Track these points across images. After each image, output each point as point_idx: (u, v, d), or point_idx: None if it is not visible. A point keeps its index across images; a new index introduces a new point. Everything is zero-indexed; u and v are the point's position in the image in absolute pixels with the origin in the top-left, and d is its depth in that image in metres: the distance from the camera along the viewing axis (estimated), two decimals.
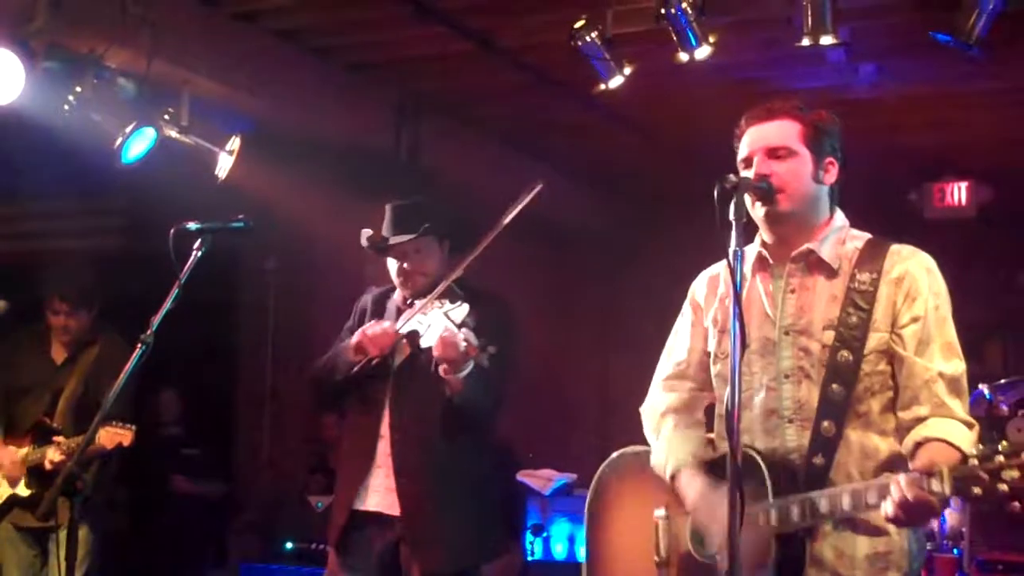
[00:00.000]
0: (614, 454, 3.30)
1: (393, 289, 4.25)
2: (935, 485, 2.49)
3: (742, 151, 2.96)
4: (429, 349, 3.78)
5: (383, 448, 4.01)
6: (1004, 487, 2.40)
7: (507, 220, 3.96)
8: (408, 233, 4.08)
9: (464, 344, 3.62)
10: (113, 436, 4.77)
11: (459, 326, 3.67)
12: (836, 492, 2.69)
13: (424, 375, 3.91)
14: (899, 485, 2.53)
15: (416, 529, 3.92)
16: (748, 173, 2.91)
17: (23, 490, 5.15)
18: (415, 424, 3.99)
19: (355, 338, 3.98)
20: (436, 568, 3.91)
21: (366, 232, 4.15)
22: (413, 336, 3.88)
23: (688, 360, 3.16)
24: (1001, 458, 2.41)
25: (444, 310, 3.76)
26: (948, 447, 2.65)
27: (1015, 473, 2.39)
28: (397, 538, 3.97)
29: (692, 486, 2.99)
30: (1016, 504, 2.43)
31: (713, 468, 3.01)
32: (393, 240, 4.11)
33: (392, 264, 4.16)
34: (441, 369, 3.75)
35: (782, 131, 2.91)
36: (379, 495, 3.99)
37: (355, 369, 3.98)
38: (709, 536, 2.92)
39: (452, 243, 4.20)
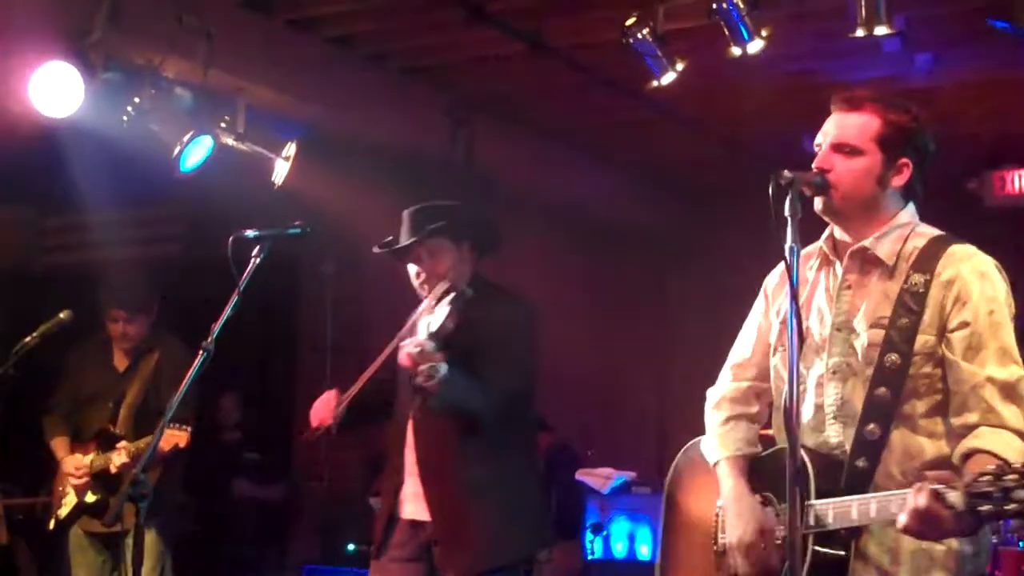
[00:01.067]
0: (689, 443, 3.28)
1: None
2: (951, 498, 2.40)
3: (818, 136, 2.91)
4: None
5: (410, 456, 4.08)
6: (1013, 507, 2.30)
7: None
8: (414, 235, 4.10)
9: (416, 350, 3.70)
10: (169, 438, 4.82)
11: (432, 334, 3.74)
12: (865, 499, 2.64)
13: None
14: (914, 495, 2.46)
15: (445, 532, 3.98)
16: None
17: (89, 497, 5.23)
18: (434, 430, 4.05)
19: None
20: (466, 569, 3.96)
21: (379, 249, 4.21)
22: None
23: (754, 349, 3.15)
24: (1013, 476, 2.30)
25: (440, 316, 3.82)
26: (995, 460, 2.52)
27: None
28: (430, 540, 4.03)
29: (727, 482, 3.00)
30: None
31: (757, 465, 3.01)
32: (401, 243, 4.13)
33: (410, 269, 4.20)
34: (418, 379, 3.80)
35: (856, 125, 2.84)
36: (412, 503, 4.07)
37: (303, 438, 4.16)
38: (729, 538, 2.93)
39: (476, 244, 4.21)
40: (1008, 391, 2.69)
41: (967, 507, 2.38)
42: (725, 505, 2.98)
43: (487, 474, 4.02)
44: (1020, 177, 8.66)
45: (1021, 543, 5.95)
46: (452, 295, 3.94)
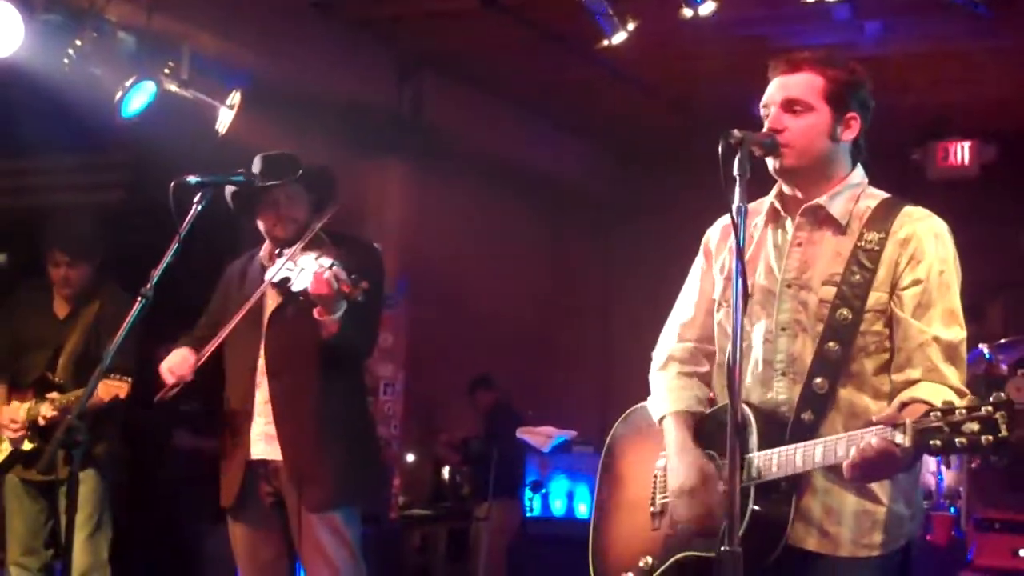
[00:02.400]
0: (630, 409, 3.28)
1: (254, 253, 4.33)
2: (898, 437, 2.47)
3: (763, 101, 2.92)
4: (300, 295, 3.86)
5: (260, 396, 4.12)
6: (962, 440, 2.38)
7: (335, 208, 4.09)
8: (277, 178, 4.11)
9: (336, 282, 3.70)
10: (109, 388, 4.76)
11: (330, 266, 3.75)
12: (810, 444, 2.68)
13: (296, 321, 4.03)
14: (864, 435, 2.52)
15: (299, 470, 4.03)
16: (767, 124, 2.88)
17: (26, 444, 5.16)
18: (291, 370, 4.10)
19: (162, 367, 4.15)
20: (319, 505, 4.03)
21: (231, 189, 4.16)
22: (283, 283, 3.94)
23: (697, 308, 3.14)
24: (962, 411, 2.39)
25: (314, 255, 3.83)
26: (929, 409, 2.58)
27: (975, 426, 2.37)
28: (282, 486, 4.09)
29: (672, 434, 3.00)
30: (976, 459, 2.41)
31: (702, 423, 3.02)
32: (270, 182, 4.11)
33: (264, 213, 4.19)
34: (316, 311, 3.84)
35: (802, 84, 2.86)
36: (262, 443, 4.11)
37: (157, 398, 4.16)
38: (670, 485, 2.94)
39: (320, 199, 4.23)
40: (950, 352, 2.75)
41: (915, 444, 2.44)
42: (668, 455, 2.98)
43: (340, 412, 4.12)
44: (963, 149, 8.76)
45: (952, 508, 6.06)
46: (319, 242, 3.98)
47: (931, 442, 2.42)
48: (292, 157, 4.22)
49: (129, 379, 4.77)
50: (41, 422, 5.02)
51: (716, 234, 3.13)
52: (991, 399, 2.39)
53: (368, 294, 3.81)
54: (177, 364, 4.14)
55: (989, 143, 8.73)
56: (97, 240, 5.44)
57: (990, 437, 2.36)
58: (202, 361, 4.12)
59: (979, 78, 7.69)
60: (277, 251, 4.15)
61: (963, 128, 8.74)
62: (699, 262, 3.16)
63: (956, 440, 2.39)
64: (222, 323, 4.15)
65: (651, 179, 10.00)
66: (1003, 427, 2.35)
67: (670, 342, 3.18)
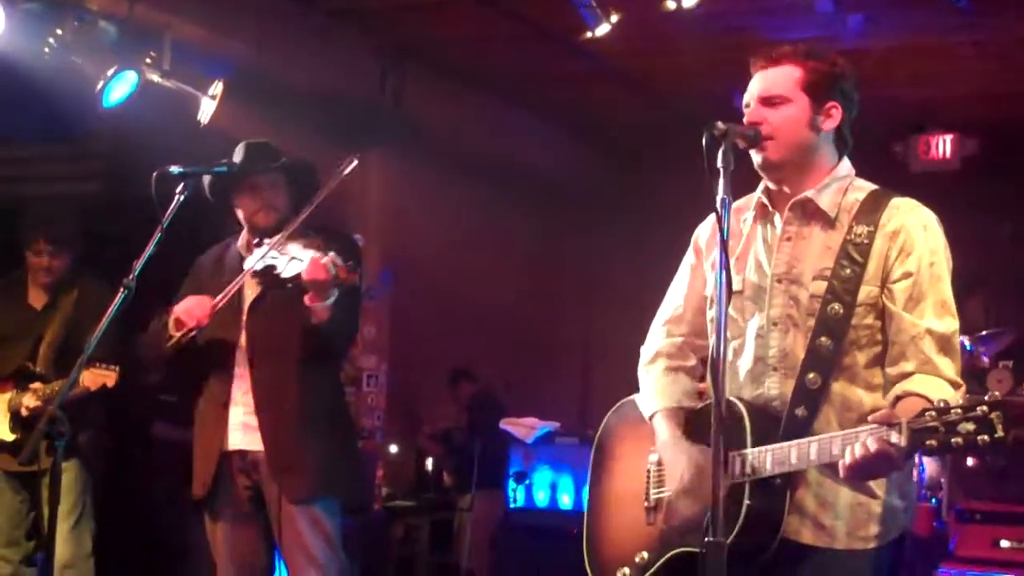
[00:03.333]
0: (621, 401, 3.28)
1: (229, 243, 4.30)
2: (894, 437, 2.47)
3: (744, 99, 2.92)
4: (283, 284, 3.85)
5: (239, 386, 4.09)
6: (958, 440, 2.38)
7: (321, 197, 3.98)
8: (260, 164, 4.12)
9: (333, 267, 3.70)
10: (97, 377, 4.74)
11: (328, 252, 3.75)
12: (804, 442, 2.68)
13: (277, 310, 4.03)
14: (860, 436, 2.53)
15: (279, 461, 4.01)
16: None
17: (7, 435, 5.13)
18: (273, 359, 4.07)
19: (172, 316, 4.04)
20: (300, 496, 4.01)
21: (208, 178, 4.13)
22: (268, 271, 3.91)
23: (685, 304, 3.14)
24: (958, 411, 2.39)
25: (301, 244, 3.82)
26: (926, 402, 2.57)
27: (970, 426, 2.37)
28: (262, 478, 4.07)
29: (663, 430, 3.00)
30: (972, 458, 2.42)
31: (694, 418, 3.02)
32: (251, 169, 4.12)
33: (244, 200, 4.15)
34: (307, 297, 3.82)
35: (780, 77, 2.87)
36: (240, 432, 4.08)
37: (172, 343, 4.03)
38: (667, 483, 2.94)
39: (298, 189, 4.20)
40: (944, 343, 2.76)
41: (911, 443, 2.45)
42: (661, 452, 2.98)
43: (321, 402, 4.10)
44: (945, 142, 8.78)
45: (934, 499, 6.09)
46: (300, 232, 3.94)
47: (927, 442, 2.42)
48: (274, 147, 4.21)
49: (116, 368, 4.75)
50: (24, 412, 5.00)
51: (707, 231, 3.13)
52: (987, 399, 2.39)
53: (352, 287, 3.83)
54: (195, 307, 4.01)
55: (970, 136, 8.76)
56: (77, 230, 5.42)
57: (986, 437, 2.36)
58: (219, 306, 4.01)
59: (961, 71, 7.71)
60: (256, 241, 4.11)
61: (945, 121, 8.76)
62: (688, 259, 3.16)
63: (952, 440, 2.39)
64: None
65: (634, 172, 9.99)
66: (999, 427, 2.35)
67: (658, 338, 3.19)
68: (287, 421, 4.05)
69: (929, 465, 6.08)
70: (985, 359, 6.13)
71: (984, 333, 6.24)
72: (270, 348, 4.09)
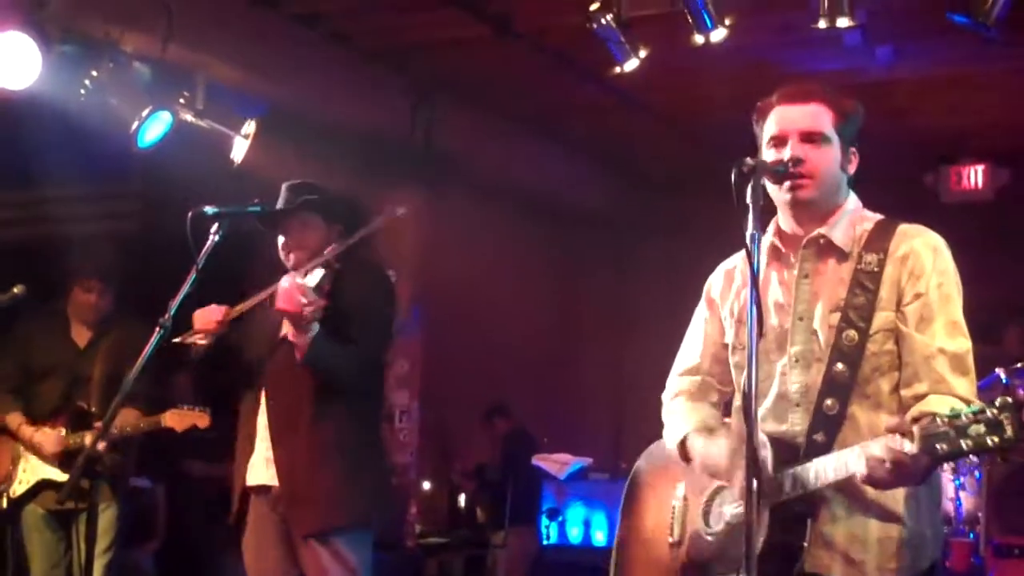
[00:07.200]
0: (652, 445, 3.30)
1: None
2: (906, 445, 2.48)
3: (771, 128, 2.91)
4: (280, 315, 3.88)
5: (262, 421, 4.12)
6: (968, 443, 2.38)
7: (355, 239, 4.04)
8: (290, 204, 4.15)
9: (303, 298, 3.71)
10: (185, 418, 4.79)
11: (297, 283, 3.76)
12: (821, 461, 2.68)
13: (291, 345, 4.02)
14: (871, 445, 2.54)
15: (292, 492, 4.02)
16: (772, 152, 2.88)
17: (59, 475, 5.10)
18: (288, 395, 4.08)
19: (195, 315, 4.08)
20: (309, 529, 4.00)
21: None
22: (272, 299, 3.96)
23: (702, 354, 3.16)
24: (968, 415, 2.39)
25: (319, 276, 3.87)
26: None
27: (980, 428, 2.37)
28: (284, 512, 4.07)
29: (697, 443, 3.02)
30: (974, 457, 2.41)
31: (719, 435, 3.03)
32: (278, 207, 4.16)
33: (279, 238, 4.21)
34: (289, 332, 3.85)
35: (817, 116, 2.88)
36: (260, 468, 4.11)
37: (179, 340, 4.04)
38: (727, 491, 2.93)
39: (347, 228, 4.21)
40: (957, 362, 2.76)
41: (922, 449, 2.44)
42: (700, 453, 2.98)
43: (335, 436, 4.07)
44: (976, 172, 8.75)
45: (971, 533, 6.02)
46: (323, 266, 3.98)
47: (937, 446, 2.42)
48: (313, 186, 4.22)
49: (207, 409, 4.79)
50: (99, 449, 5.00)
51: (719, 280, 3.15)
52: (996, 402, 2.39)
53: (365, 321, 3.82)
54: (207, 314, 4.05)
55: (1002, 166, 8.72)
56: (118, 269, 5.49)
57: (996, 438, 2.36)
58: (232, 317, 4.04)
59: (991, 101, 7.69)
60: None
61: (976, 152, 8.72)
62: (701, 312, 3.18)
63: (962, 443, 2.39)
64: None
65: (664, 203, 10.00)
66: (1008, 428, 2.35)
67: (677, 383, 3.22)
68: (298, 455, 4.04)
69: (967, 500, 6.03)
70: (1021, 392, 6.03)
71: (1020, 365, 6.18)
72: (283, 383, 4.10)
